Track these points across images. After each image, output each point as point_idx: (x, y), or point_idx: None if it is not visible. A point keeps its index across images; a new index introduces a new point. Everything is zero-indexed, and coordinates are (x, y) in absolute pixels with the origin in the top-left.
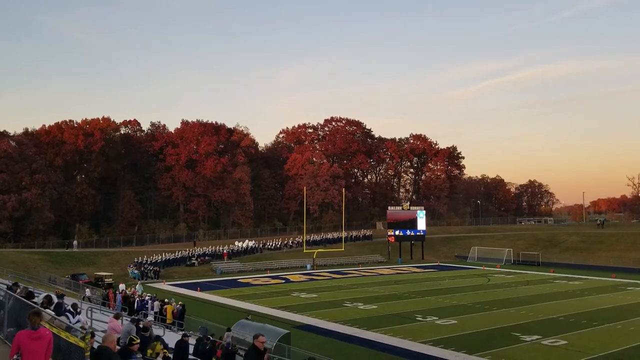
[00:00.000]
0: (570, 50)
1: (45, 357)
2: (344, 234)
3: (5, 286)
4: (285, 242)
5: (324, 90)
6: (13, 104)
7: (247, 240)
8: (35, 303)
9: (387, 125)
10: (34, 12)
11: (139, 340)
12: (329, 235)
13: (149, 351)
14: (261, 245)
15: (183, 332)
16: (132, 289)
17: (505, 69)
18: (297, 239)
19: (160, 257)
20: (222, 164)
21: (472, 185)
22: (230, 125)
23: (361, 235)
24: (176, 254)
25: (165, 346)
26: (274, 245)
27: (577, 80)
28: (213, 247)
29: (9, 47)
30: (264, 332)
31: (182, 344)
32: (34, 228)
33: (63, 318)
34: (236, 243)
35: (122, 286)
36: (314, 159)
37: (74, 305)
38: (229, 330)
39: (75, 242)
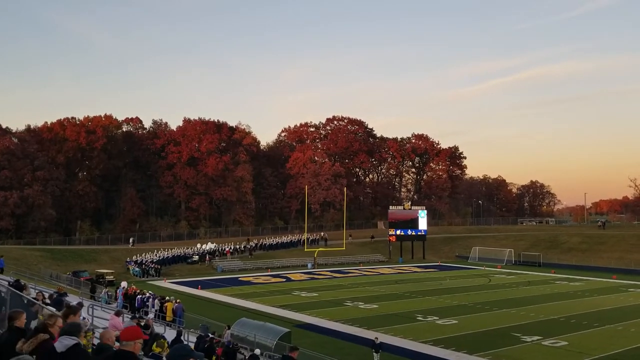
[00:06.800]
0: (572, 50)
1: None
2: (348, 234)
3: (7, 282)
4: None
5: (326, 89)
6: (15, 100)
7: (208, 243)
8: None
9: (389, 124)
10: (38, 10)
11: None
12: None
13: (157, 349)
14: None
15: (178, 330)
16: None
17: (507, 69)
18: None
19: (158, 255)
20: (224, 162)
21: (474, 185)
22: (232, 123)
23: (318, 238)
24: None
25: (168, 344)
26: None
27: (579, 80)
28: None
29: (12, 44)
30: (264, 330)
31: (177, 342)
32: (36, 225)
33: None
34: (198, 245)
35: (124, 284)
36: (315, 157)
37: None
38: (228, 327)
39: (131, 239)
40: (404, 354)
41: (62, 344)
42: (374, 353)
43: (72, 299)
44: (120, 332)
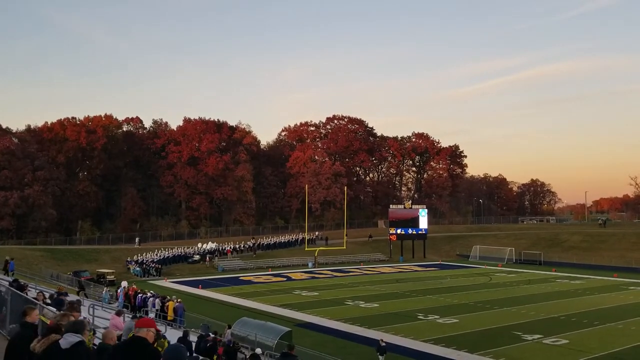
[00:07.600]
0: (574, 49)
1: None
2: (345, 232)
3: (8, 282)
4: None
5: (326, 88)
6: (15, 100)
7: (209, 242)
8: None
9: (389, 123)
10: (38, 9)
11: None
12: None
13: (158, 348)
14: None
15: (184, 330)
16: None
17: (508, 68)
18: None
19: (159, 255)
20: (224, 162)
21: (475, 184)
22: (232, 123)
23: (315, 237)
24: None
25: (169, 344)
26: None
27: (580, 79)
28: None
29: (11, 43)
30: (265, 329)
31: (184, 342)
32: (36, 225)
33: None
34: (199, 245)
35: (124, 283)
36: (315, 157)
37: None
38: (229, 327)
39: (137, 239)
40: (405, 353)
41: (67, 341)
42: (378, 356)
43: (72, 299)
44: (136, 321)
